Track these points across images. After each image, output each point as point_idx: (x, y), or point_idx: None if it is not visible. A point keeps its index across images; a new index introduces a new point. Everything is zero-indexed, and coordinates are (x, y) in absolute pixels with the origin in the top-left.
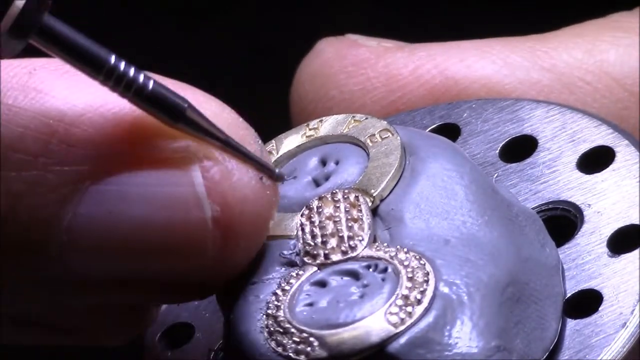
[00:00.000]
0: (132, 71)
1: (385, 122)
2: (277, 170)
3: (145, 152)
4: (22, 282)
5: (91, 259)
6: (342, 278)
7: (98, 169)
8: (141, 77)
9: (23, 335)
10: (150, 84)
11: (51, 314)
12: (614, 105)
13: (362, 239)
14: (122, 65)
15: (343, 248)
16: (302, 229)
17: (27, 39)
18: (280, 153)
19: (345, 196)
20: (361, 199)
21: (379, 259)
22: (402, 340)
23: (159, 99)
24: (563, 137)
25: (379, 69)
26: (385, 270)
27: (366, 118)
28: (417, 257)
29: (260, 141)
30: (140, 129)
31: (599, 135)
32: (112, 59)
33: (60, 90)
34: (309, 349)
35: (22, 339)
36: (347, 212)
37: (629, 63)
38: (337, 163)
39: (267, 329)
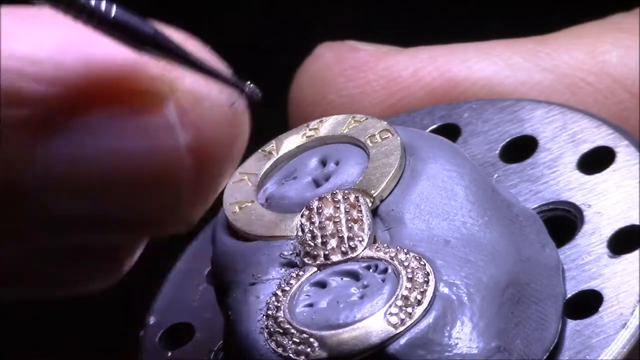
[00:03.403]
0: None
1: (386, 123)
2: (250, 87)
3: (117, 86)
4: (2, 225)
5: (67, 193)
6: (342, 279)
7: (70, 105)
8: (103, 4)
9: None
10: (114, 11)
11: (30, 263)
12: (615, 106)
13: (362, 240)
14: None
15: (343, 249)
16: (302, 230)
17: None
18: (281, 153)
19: (346, 197)
20: (361, 200)
21: (379, 259)
22: (402, 341)
23: (125, 24)
24: (563, 137)
25: (378, 72)
26: (385, 270)
27: (366, 118)
28: (417, 257)
29: (230, 73)
30: (112, 65)
31: (600, 136)
32: None
33: (29, 32)
34: (309, 349)
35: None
36: (347, 212)
37: (630, 64)
38: (337, 163)
39: (267, 330)
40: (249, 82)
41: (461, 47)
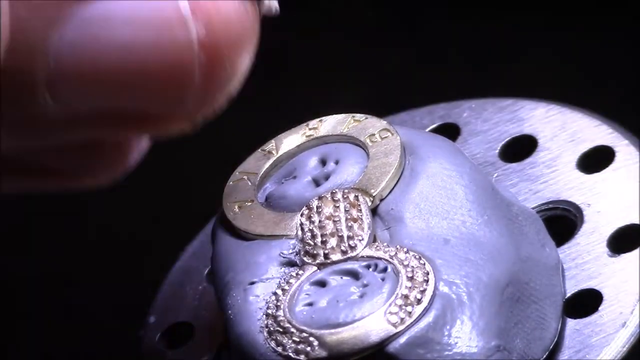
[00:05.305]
0: None
1: (385, 122)
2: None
3: None
4: (13, 116)
5: (79, 86)
6: (341, 278)
7: None
8: None
9: (9, 182)
10: None
11: (37, 154)
12: None
13: (362, 239)
14: None
15: (343, 248)
16: (302, 229)
17: None
18: (280, 153)
19: (345, 196)
20: (361, 199)
21: (379, 258)
22: (402, 339)
23: None
24: (563, 136)
25: None
26: (385, 269)
27: (366, 118)
28: (417, 256)
29: None
30: None
31: (599, 135)
32: None
33: None
34: (308, 348)
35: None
36: (346, 211)
37: None
38: (337, 163)
39: (266, 329)
40: None
41: None
